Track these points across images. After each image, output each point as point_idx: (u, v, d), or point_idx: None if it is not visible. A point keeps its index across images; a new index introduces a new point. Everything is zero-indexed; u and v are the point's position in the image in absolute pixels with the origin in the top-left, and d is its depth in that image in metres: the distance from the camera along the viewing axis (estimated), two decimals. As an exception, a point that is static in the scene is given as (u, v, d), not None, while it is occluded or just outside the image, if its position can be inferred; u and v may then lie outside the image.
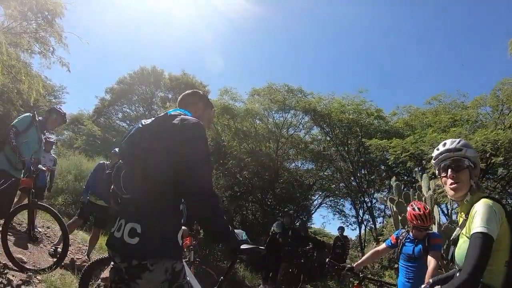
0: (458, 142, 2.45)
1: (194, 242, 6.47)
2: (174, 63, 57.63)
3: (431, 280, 3.17)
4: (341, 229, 13.96)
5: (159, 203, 2.21)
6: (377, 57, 64.52)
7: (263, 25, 64.48)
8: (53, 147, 8.89)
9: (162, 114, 2.44)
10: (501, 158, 7.50)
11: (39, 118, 5.42)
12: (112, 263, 2.42)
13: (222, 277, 2.92)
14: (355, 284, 5.09)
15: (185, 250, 6.19)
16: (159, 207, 2.20)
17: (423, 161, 10.03)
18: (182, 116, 2.31)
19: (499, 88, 11.97)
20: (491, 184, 8.15)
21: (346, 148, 15.80)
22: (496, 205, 2.14)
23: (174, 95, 27.15)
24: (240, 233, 2.54)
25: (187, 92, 2.78)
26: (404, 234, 4.70)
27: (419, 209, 4.43)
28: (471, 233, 2.10)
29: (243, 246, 2.49)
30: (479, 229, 2.04)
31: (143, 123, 2.40)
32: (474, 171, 2.40)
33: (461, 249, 2.23)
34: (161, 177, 2.20)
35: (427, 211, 4.43)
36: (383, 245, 5.07)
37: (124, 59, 55.22)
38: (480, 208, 2.15)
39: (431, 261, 4.05)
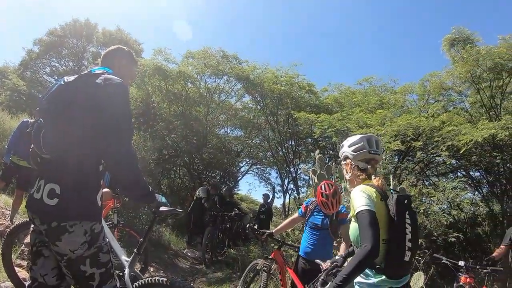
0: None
1: (117, 204, 6.39)
2: (109, 17, 54.31)
3: (343, 254, 3.58)
4: (266, 196, 14.44)
5: (78, 164, 2.21)
6: (316, 33, 65.57)
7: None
8: None
9: (86, 72, 2.40)
10: (421, 143, 8.03)
11: None
12: (32, 226, 2.38)
13: (141, 239, 2.98)
14: (275, 250, 5.37)
15: (110, 213, 6.13)
16: (78, 168, 2.21)
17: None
18: (105, 75, 2.30)
19: (428, 79, 12.88)
20: (411, 166, 8.76)
21: (276, 118, 16.01)
22: (367, 190, 2.51)
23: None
24: (159, 196, 2.61)
25: (111, 48, 2.76)
26: (314, 203, 4.94)
27: (326, 196, 4.57)
28: (355, 214, 2.45)
29: (162, 208, 2.61)
30: (361, 208, 2.39)
31: (66, 80, 2.36)
32: (347, 165, 2.83)
33: (352, 227, 2.61)
34: (80, 137, 2.20)
35: (334, 199, 4.55)
36: (296, 214, 5.37)
37: (57, 8, 51.15)
38: (353, 193, 2.54)
39: (346, 235, 4.29)
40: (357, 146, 2.75)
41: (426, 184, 9.10)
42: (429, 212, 6.80)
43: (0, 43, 48.58)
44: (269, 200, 14.44)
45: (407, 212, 2.48)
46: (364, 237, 2.30)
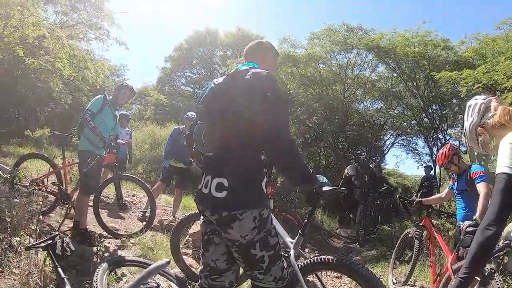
0: None
1: (272, 190, 6.78)
2: (227, 21, 56.75)
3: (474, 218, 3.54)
4: (428, 168, 13.78)
5: (241, 157, 2.33)
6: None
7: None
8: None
9: (233, 70, 2.51)
10: None
11: (110, 97, 5.79)
12: (202, 217, 2.62)
13: (305, 220, 3.12)
14: (425, 217, 5.51)
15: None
16: (242, 161, 2.33)
17: (497, 92, 9.44)
18: (252, 70, 2.37)
19: None
20: None
21: (415, 83, 15.04)
22: None
23: (233, 52, 27.24)
24: (320, 177, 2.73)
25: (252, 43, 2.84)
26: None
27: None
28: (496, 174, 1.96)
29: (325, 188, 2.69)
30: (501, 169, 1.91)
31: (216, 82, 2.51)
32: (482, 134, 2.27)
33: None
34: (240, 132, 2.31)
35: (443, 151, 5.10)
36: (446, 190, 5.52)
37: (177, 26, 56.40)
38: (500, 146, 2.03)
39: (480, 191, 4.36)
40: (472, 109, 2.31)
41: None
42: None
43: (136, 69, 54.24)
44: (431, 172, 13.77)
45: None
46: (490, 212, 1.88)
